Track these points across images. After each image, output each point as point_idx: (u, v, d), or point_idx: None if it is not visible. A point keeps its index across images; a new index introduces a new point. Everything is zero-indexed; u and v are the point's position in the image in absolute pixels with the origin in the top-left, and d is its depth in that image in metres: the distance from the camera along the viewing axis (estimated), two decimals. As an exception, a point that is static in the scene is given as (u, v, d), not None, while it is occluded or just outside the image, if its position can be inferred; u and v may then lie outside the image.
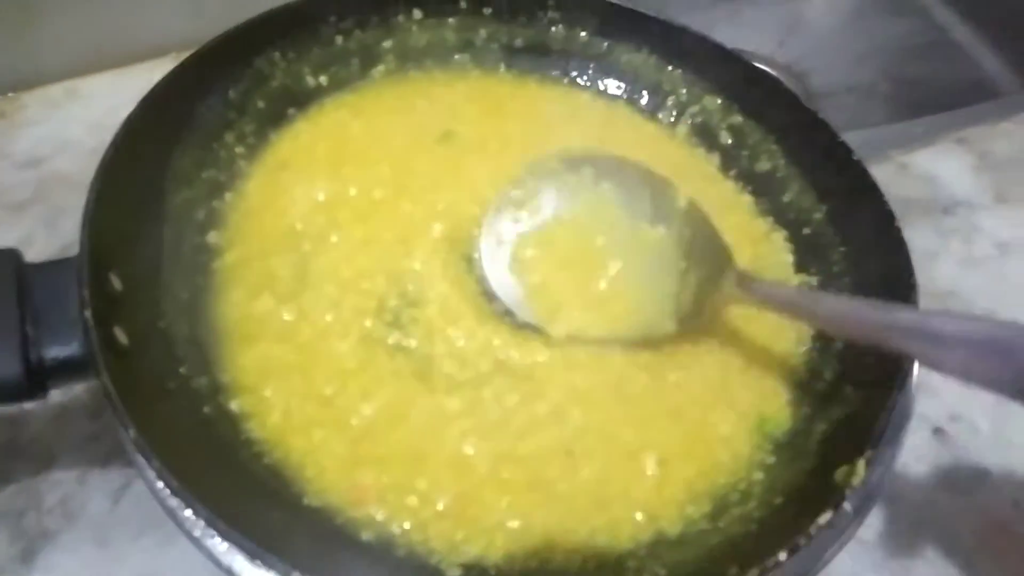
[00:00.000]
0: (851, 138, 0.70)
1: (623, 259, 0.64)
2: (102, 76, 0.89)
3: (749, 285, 0.58)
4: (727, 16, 1.34)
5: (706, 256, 0.62)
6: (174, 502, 0.46)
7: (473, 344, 0.61)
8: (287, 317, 0.61)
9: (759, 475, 0.57)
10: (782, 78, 1.24)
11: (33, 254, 0.74)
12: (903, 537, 0.65)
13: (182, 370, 0.56)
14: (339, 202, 0.68)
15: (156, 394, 0.53)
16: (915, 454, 0.70)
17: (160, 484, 0.46)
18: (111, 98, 0.88)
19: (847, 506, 0.50)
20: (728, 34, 1.28)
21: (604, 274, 0.63)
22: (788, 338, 0.65)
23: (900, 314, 0.49)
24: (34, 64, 0.86)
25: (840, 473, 0.51)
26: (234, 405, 0.56)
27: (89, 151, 0.82)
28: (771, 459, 0.58)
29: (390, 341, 0.61)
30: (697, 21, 1.26)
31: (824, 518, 0.48)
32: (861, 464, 0.50)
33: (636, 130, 0.78)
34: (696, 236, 0.63)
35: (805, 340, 0.65)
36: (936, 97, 1.16)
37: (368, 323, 0.61)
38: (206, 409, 0.55)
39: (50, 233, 0.77)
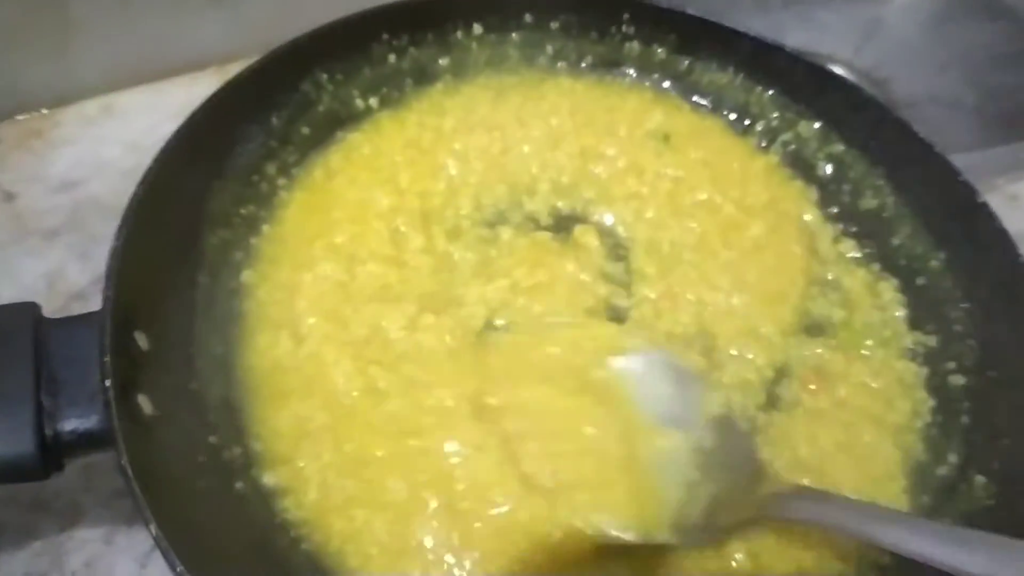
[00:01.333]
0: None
1: (622, 453, 0.53)
2: (139, 91, 0.84)
3: (789, 505, 0.48)
4: (799, 19, 1.25)
5: (729, 472, 0.52)
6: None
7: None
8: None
9: (873, 582, 0.49)
10: (860, 86, 1.17)
11: (64, 286, 0.70)
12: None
13: (213, 439, 0.50)
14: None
15: (184, 471, 0.47)
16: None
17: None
18: (148, 114, 0.82)
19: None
20: (801, 38, 1.19)
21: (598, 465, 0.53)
22: (901, 408, 0.57)
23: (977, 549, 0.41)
24: (70, 79, 0.81)
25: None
26: (268, 479, 0.51)
27: (124, 173, 0.76)
28: (886, 559, 0.50)
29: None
30: (767, 23, 1.16)
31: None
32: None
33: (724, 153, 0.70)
34: (721, 448, 0.53)
35: (923, 412, 0.56)
36: (1030, 111, 1.06)
37: None
38: (239, 485, 0.49)
39: (83, 264, 0.72)
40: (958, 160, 0.64)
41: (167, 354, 0.51)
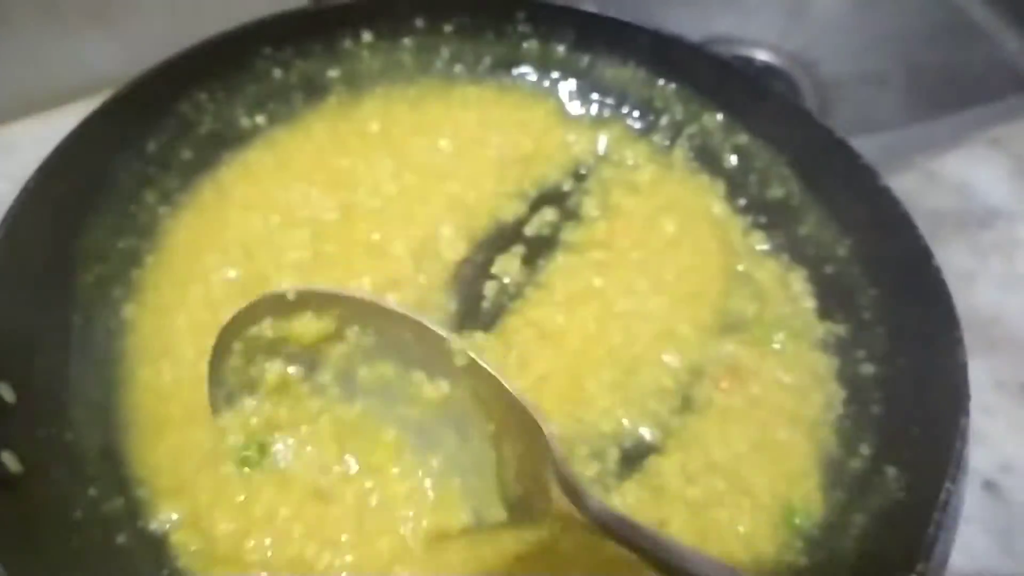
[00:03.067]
0: (870, 143, 0.61)
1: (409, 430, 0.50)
2: (27, 122, 0.80)
3: (576, 494, 0.43)
4: (726, 5, 1.25)
5: (513, 425, 0.47)
6: None
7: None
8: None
9: (789, 583, 0.48)
10: (787, 69, 1.17)
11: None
12: (955, 615, 0.56)
13: (92, 492, 0.47)
14: None
15: (56, 529, 0.44)
16: (964, 513, 0.60)
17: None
18: (38, 147, 0.78)
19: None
20: (728, 22, 1.18)
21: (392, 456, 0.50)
22: (814, 401, 0.55)
23: None
24: (-48, 113, 0.77)
25: (889, 591, 0.42)
26: (154, 526, 0.48)
27: (14, 210, 0.73)
28: (803, 560, 0.49)
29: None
30: (695, 9, 1.16)
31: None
32: (915, 583, 0.41)
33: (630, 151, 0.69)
34: (491, 397, 0.48)
35: (835, 404, 0.55)
36: (956, 87, 1.07)
37: None
38: (120, 539, 0.47)
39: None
40: (876, 140, 0.63)
41: (36, 405, 0.48)
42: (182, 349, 0.54)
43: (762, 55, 1.16)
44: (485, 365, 0.47)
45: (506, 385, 0.46)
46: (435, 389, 0.49)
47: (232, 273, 0.58)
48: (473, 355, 0.47)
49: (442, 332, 0.48)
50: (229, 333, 0.49)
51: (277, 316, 0.49)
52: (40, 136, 0.79)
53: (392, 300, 0.52)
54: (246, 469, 0.49)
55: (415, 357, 0.49)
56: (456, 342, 0.47)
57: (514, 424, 0.46)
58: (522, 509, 0.47)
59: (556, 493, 0.44)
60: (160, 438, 0.51)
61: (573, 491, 0.43)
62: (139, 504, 0.48)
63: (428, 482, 0.49)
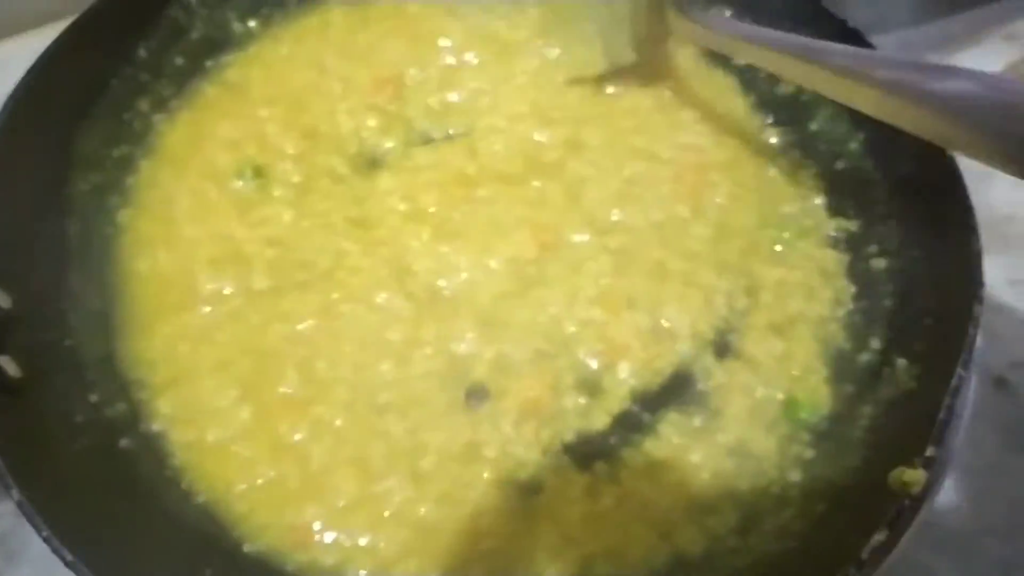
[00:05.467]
0: (881, 42, 0.58)
1: None
2: (18, 39, 0.78)
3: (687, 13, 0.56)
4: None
5: None
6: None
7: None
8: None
9: (795, 475, 0.48)
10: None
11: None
12: (965, 510, 0.56)
13: (93, 398, 0.48)
14: None
15: (58, 433, 0.45)
16: (975, 409, 0.59)
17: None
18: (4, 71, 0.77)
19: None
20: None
21: None
22: (823, 297, 0.54)
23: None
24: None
25: (895, 476, 0.41)
26: (156, 426, 0.48)
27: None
28: (809, 453, 0.49)
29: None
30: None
31: (879, 537, 0.39)
32: (921, 470, 0.40)
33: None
34: None
35: (845, 299, 0.54)
36: (973, -15, 1.02)
37: None
38: (124, 442, 0.47)
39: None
40: (890, 39, 0.60)
41: (35, 311, 0.48)
42: (168, 229, 0.55)
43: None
44: None
45: None
46: None
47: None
48: None
49: None
50: None
51: None
52: (32, 53, 0.78)
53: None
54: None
55: None
56: None
57: None
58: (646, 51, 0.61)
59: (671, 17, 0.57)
60: (154, 331, 0.51)
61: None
62: (141, 409, 0.49)
63: None
